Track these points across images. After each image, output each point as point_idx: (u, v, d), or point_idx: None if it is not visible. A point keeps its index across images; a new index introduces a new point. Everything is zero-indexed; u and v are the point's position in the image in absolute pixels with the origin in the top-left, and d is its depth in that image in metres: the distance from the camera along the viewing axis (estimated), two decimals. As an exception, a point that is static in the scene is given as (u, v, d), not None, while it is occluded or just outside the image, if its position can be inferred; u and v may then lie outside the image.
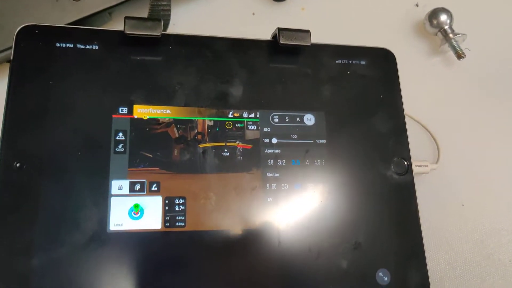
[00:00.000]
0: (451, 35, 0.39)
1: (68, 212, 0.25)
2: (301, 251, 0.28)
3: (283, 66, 0.32)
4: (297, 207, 0.29)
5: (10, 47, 0.33)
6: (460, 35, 0.39)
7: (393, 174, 0.31)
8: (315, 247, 0.28)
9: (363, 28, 0.41)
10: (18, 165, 0.25)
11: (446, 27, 0.40)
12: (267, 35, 0.32)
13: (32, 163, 0.26)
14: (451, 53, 0.40)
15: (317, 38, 0.32)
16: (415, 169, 0.33)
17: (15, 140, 0.26)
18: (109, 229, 0.26)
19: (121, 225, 0.26)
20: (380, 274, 0.29)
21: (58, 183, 0.26)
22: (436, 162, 0.36)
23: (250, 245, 0.27)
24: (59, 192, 0.26)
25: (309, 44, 0.31)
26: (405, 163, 0.32)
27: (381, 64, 0.34)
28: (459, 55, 0.39)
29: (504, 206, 0.37)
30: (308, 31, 0.32)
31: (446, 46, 0.40)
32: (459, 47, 0.39)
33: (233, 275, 0.27)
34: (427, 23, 0.40)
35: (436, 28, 0.40)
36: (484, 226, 0.36)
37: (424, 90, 0.40)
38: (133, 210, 0.26)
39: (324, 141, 0.31)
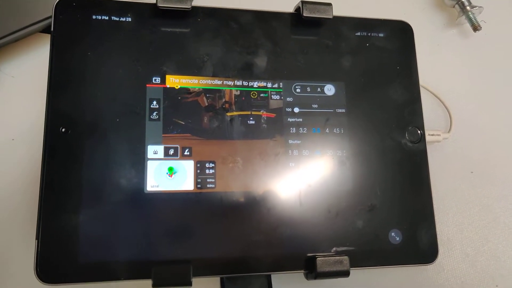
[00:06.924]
0: (468, 8, 0.40)
1: (109, 175, 0.28)
2: (321, 212, 0.30)
3: (305, 38, 0.33)
4: (317, 172, 0.31)
5: (45, 19, 0.35)
6: (477, 7, 0.40)
7: (407, 142, 0.33)
8: (333, 208, 0.30)
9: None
10: (63, 130, 0.28)
11: (463, -1, 0.40)
12: (290, 8, 0.33)
13: (76, 128, 0.28)
14: (467, 25, 0.41)
15: (336, 10, 0.33)
16: (428, 138, 0.34)
17: (59, 107, 0.28)
18: (146, 190, 0.28)
19: (157, 186, 0.28)
20: (393, 234, 0.31)
21: (99, 148, 0.28)
22: (448, 132, 0.37)
23: (274, 205, 0.30)
24: (101, 156, 0.28)
25: (330, 17, 0.32)
26: (419, 132, 0.33)
27: (398, 36, 0.35)
28: (475, 28, 0.40)
29: (511, 174, 0.38)
30: (330, 4, 0.33)
31: (463, 19, 0.41)
32: (475, 19, 0.40)
33: (258, 232, 0.29)
34: (445, -5, 0.41)
35: (454, 0, 0.41)
36: (491, 192, 0.38)
37: (440, 61, 0.41)
38: (167, 172, 0.29)
39: (343, 110, 0.32)
